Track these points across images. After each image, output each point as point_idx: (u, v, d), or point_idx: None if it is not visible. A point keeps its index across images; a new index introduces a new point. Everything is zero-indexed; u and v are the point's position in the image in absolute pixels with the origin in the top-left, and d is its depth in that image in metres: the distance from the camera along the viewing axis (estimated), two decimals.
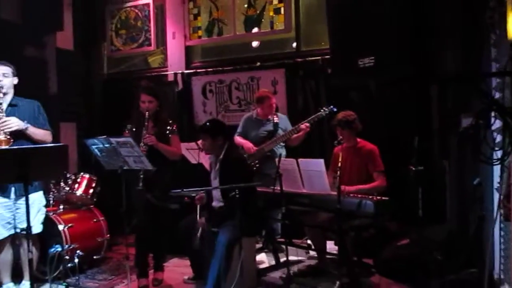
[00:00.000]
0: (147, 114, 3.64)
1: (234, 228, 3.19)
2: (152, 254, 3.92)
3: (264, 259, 4.22)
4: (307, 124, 4.18)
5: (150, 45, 5.75)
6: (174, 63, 5.57)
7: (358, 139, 3.78)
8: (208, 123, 3.61)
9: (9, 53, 4.18)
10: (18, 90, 3.49)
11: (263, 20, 5.18)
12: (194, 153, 4.37)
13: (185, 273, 3.87)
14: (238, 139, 4.44)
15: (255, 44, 5.33)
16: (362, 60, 2.40)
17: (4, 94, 3.32)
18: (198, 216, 3.50)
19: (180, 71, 5.49)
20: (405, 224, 3.48)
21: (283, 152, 4.40)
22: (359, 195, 3.38)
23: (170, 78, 5.54)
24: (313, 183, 3.45)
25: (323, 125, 4.57)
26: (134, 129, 3.73)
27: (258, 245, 4.30)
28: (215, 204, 3.61)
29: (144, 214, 3.66)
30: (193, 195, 4.08)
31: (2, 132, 3.23)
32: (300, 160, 3.51)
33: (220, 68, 5.32)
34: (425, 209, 3.01)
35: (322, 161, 3.39)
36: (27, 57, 4.95)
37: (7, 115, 3.31)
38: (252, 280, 3.59)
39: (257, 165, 4.29)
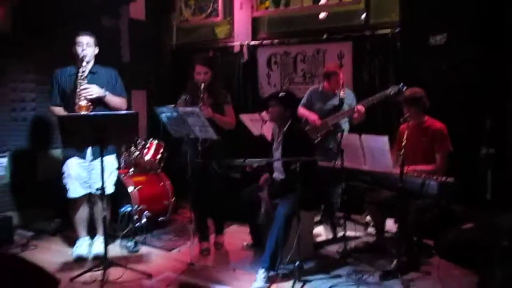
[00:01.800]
0: (202, 86, 3.66)
1: (294, 201, 3.22)
2: (213, 219, 4.05)
3: (321, 232, 4.24)
4: (361, 107, 4.05)
5: (217, 15, 5.77)
6: (240, 34, 5.58)
7: (426, 117, 3.63)
8: (282, 92, 3.63)
9: (87, 23, 4.41)
10: (98, 57, 3.69)
11: None
12: (257, 123, 4.41)
13: (244, 240, 3.98)
14: (302, 110, 4.40)
15: (322, 15, 5.19)
16: (434, 37, 2.27)
17: (87, 62, 3.51)
18: (263, 205, 3.52)
19: (246, 42, 5.50)
20: (471, 208, 3.34)
21: (346, 127, 4.33)
22: (423, 175, 3.27)
23: (236, 49, 5.56)
24: (375, 161, 3.38)
25: (389, 101, 4.41)
26: (189, 99, 3.78)
27: (317, 218, 4.31)
28: (276, 175, 3.65)
29: (202, 181, 3.73)
30: (255, 165, 4.18)
31: (84, 98, 3.44)
32: (363, 136, 3.44)
33: (286, 40, 5.27)
34: (495, 193, 2.86)
35: (386, 138, 3.29)
36: (103, 27, 5.18)
37: (88, 82, 3.51)
38: (308, 251, 3.64)
39: (319, 138, 4.26)
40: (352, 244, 3.83)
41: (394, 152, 3.44)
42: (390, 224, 3.87)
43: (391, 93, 3.96)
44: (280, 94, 3.60)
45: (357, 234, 4.10)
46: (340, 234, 4.00)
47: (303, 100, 4.46)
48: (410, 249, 3.38)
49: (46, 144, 4.73)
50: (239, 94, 5.47)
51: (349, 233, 3.95)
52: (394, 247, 3.47)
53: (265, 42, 5.41)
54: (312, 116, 4.28)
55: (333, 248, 3.81)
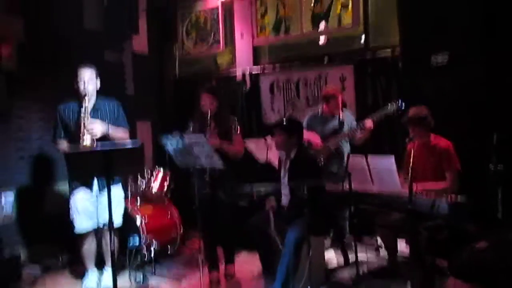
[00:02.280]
0: (209, 115, 3.67)
1: (303, 227, 3.19)
2: (222, 248, 3.99)
3: (333, 257, 4.17)
4: (371, 122, 4.06)
5: (219, 45, 5.86)
6: (242, 62, 5.65)
7: (432, 135, 3.61)
8: (286, 120, 3.64)
9: (91, 58, 4.46)
10: (99, 92, 3.72)
11: (330, 16, 5.10)
12: (262, 150, 4.40)
13: (254, 267, 3.91)
14: (305, 133, 4.40)
15: (322, 41, 5.25)
16: (436, 57, 2.28)
17: (90, 97, 3.53)
18: (271, 225, 3.50)
19: (248, 70, 5.55)
20: (483, 226, 3.28)
21: (347, 148, 4.32)
22: (433, 195, 3.22)
23: (239, 77, 5.62)
24: (383, 182, 3.32)
25: (393, 121, 4.41)
26: (197, 129, 3.78)
27: (327, 244, 4.25)
28: (284, 202, 3.62)
29: (211, 210, 3.71)
30: (262, 192, 4.16)
31: (87, 136, 3.45)
32: (370, 156, 3.41)
33: (288, 66, 5.31)
34: (506, 211, 2.81)
35: (392, 158, 3.26)
36: (107, 62, 5.25)
37: (92, 116, 3.53)
38: (321, 278, 3.57)
39: (322, 162, 4.24)
40: (365, 268, 3.76)
41: (402, 172, 3.40)
42: (403, 247, 3.80)
43: (391, 111, 3.96)
44: (283, 122, 3.59)
45: (369, 257, 4.02)
46: (351, 258, 3.93)
47: (303, 125, 4.45)
48: (424, 271, 3.30)
49: (52, 178, 4.73)
50: (243, 121, 5.46)
51: (361, 255, 3.88)
52: (407, 270, 3.39)
53: (267, 69, 5.46)
54: (315, 139, 4.26)
55: (346, 274, 3.75)
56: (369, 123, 4.05)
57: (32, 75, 4.55)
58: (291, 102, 5.30)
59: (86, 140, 3.42)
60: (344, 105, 4.44)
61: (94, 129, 3.46)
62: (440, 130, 3.59)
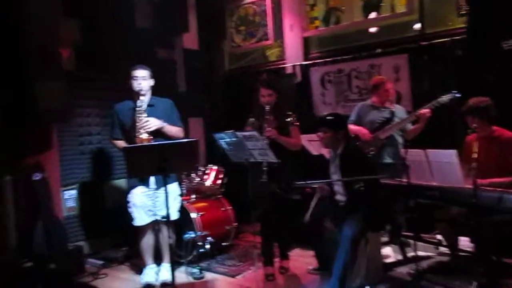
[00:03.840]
0: (267, 108, 3.68)
1: (359, 222, 3.12)
2: (277, 243, 3.99)
3: (390, 253, 4.06)
4: (428, 111, 3.89)
5: (268, 39, 5.83)
6: (292, 55, 5.59)
7: (494, 127, 3.42)
8: (329, 116, 3.55)
9: (143, 56, 4.59)
10: (154, 88, 3.80)
11: (382, 3, 4.94)
12: (315, 144, 4.34)
13: (309, 263, 3.90)
14: (350, 126, 4.31)
15: (372, 29, 5.11)
16: (507, 42, 2.13)
17: (144, 95, 3.63)
18: (312, 205, 3.46)
19: (298, 63, 5.49)
20: None
21: (399, 140, 4.18)
22: (500, 189, 3.05)
23: (289, 70, 5.56)
24: (444, 176, 3.20)
25: (452, 112, 4.21)
26: (256, 122, 3.80)
27: (384, 239, 4.14)
28: (338, 198, 3.55)
29: (269, 205, 3.73)
30: (315, 186, 4.10)
31: (143, 131, 3.55)
32: (429, 151, 3.29)
33: (339, 58, 5.20)
34: None
35: (454, 152, 3.13)
36: (159, 59, 5.37)
37: (147, 115, 3.62)
38: (378, 274, 3.48)
39: (372, 153, 4.13)
40: (424, 264, 3.63)
41: (463, 165, 3.25)
42: (464, 243, 3.64)
43: (445, 100, 3.76)
44: (328, 118, 3.52)
45: (428, 254, 3.89)
46: (410, 254, 3.81)
47: (352, 117, 4.36)
48: (490, 269, 3.14)
49: (111, 174, 4.92)
50: (294, 114, 5.42)
51: (420, 253, 3.75)
52: (471, 268, 3.24)
53: (317, 61, 5.38)
54: (362, 130, 4.16)
55: (404, 270, 3.64)
56: (425, 111, 3.89)
57: (89, 75, 4.74)
58: (343, 95, 5.19)
59: (142, 135, 3.52)
60: (398, 97, 4.30)
61: (149, 123, 3.55)
62: (504, 122, 3.39)
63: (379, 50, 4.89)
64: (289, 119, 3.79)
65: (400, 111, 4.22)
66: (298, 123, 3.84)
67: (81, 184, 4.67)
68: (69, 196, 4.56)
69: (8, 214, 4.06)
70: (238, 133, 3.39)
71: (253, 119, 3.84)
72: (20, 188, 4.09)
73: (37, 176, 4.06)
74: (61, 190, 4.46)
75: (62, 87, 4.03)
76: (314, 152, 4.41)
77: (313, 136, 4.29)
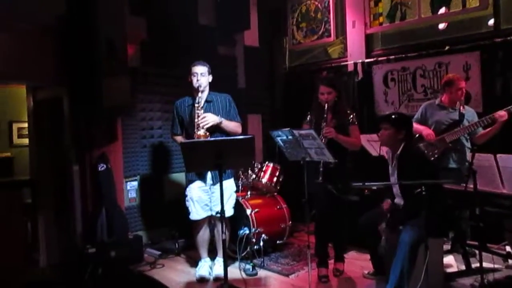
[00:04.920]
0: (326, 106, 3.62)
1: (419, 227, 2.96)
2: (332, 244, 3.93)
3: (452, 262, 3.84)
4: (505, 113, 3.62)
5: (329, 36, 5.73)
6: (354, 52, 5.45)
7: None
8: (393, 115, 3.44)
9: (205, 53, 4.66)
10: (212, 86, 3.85)
11: None
12: (375, 144, 4.22)
13: (364, 267, 3.79)
14: (415, 125, 4.12)
15: (441, 25, 4.85)
16: None
17: (202, 91, 3.68)
18: (382, 223, 3.36)
19: (360, 60, 5.35)
20: None
21: (467, 145, 3.94)
22: None
23: (350, 68, 5.44)
24: None
25: None
26: (314, 121, 3.75)
27: (446, 247, 3.93)
28: (397, 201, 3.41)
29: (325, 205, 3.68)
30: (374, 188, 3.98)
31: (201, 127, 3.60)
32: (499, 155, 3.07)
33: (403, 55, 5.00)
34: None
35: None
36: (220, 56, 5.43)
37: (204, 111, 3.67)
38: (438, 284, 3.29)
39: (436, 156, 3.92)
40: (490, 277, 3.39)
41: None
42: None
43: None
44: (392, 116, 3.40)
45: (496, 266, 3.63)
46: (474, 265, 3.59)
47: (416, 115, 4.17)
48: None
49: (171, 168, 5.06)
50: (355, 113, 5.28)
51: (486, 264, 3.51)
52: None
53: (380, 58, 5.22)
54: (426, 131, 3.96)
55: (467, 281, 3.43)
56: (502, 114, 3.63)
57: (153, 71, 4.90)
58: (407, 94, 4.99)
59: (200, 131, 3.57)
60: (468, 98, 4.04)
61: (206, 119, 3.60)
62: None
63: (448, 48, 4.64)
64: (348, 118, 3.72)
65: (470, 113, 3.98)
66: (357, 122, 3.76)
67: (142, 176, 4.84)
68: (131, 187, 4.75)
69: (75, 202, 4.30)
70: (295, 131, 3.34)
71: (311, 117, 3.80)
72: (86, 178, 4.31)
73: (102, 167, 4.26)
74: (123, 181, 4.64)
75: (128, 82, 4.20)
76: (374, 153, 4.29)
77: (374, 136, 4.18)
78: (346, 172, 3.70)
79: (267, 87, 6.05)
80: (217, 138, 3.49)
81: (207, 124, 3.61)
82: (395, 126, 3.29)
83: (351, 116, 3.73)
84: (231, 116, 3.82)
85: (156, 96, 4.97)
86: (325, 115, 3.60)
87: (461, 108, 3.89)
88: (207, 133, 3.59)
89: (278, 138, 3.53)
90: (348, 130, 3.70)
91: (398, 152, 3.32)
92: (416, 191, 2.96)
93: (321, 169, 3.48)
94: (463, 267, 3.69)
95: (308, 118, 3.83)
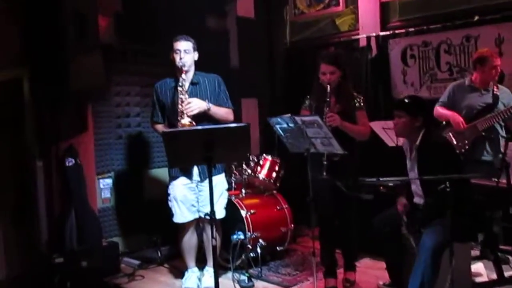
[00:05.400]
0: (328, 88, 3.61)
1: (443, 230, 2.98)
2: (341, 251, 3.95)
3: (481, 270, 3.88)
4: None
5: (338, 4, 5.72)
6: (367, 24, 5.45)
7: None
8: (406, 99, 3.44)
9: (191, 26, 4.63)
10: (199, 65, 3.83)
11: None
12: (391, 133, 4.22)
13: (380, 277, 3.81)
14: (441, 110, 4.12)
15: None
16: None
17: (186, 72, 3.67)
18: (403, 226, 3.38)
19: (374, 34, 5.35)
20: None
21: (502, 133, 3.95)
22: None
23: (362, 42, 5.44)
24: None
25: None
26: (314, 106, 3.76)
27: (475, 253, 3.97)
28: (417, 200, 3.43)
29: (330, 206, 3.70)
30: (390, 184, 3.99)
31: (185, 115, 3.59)
32: None
33: (425, 27, 5.00)
34: None
35: None
36: (208, 29, 5.42)
37: (189, 95, 3.66)
38: None
39: (466, 147, 3.94)
40: None
41: None
42: None
43: None
44: (405, 101, 3.41)
45: None
46: (507, 273, 3.62)
47: (443, 98, 4.19)
48: None
49: (151, 163, 5.07)
50: (368, 97, 5.26)
51: None
52: None
53: (398, 31, 5.22)
54: (455, 118, 3.98)
55: None
56: None
57: (130, 48, 4.88)
58: (429, 73, 5.00)
59: (184, 119, 3.56)
60: (501, 77, 4.04)
61: (191, 105, 3.59)
62: None
63: (477, 18, 4.63)
64: (354, 102, 3.72)
65: (506, 95, 3.99)
66: (364, 107, 3.76)
67: (117, 172, 4.85)
68: (105, 186, 4.75)
69: (39, 204, 4.29)
70: (297, 118, 3.34)
71: (310, 101, 3.80)
72: (52, 174, 4.30)
73: (70, 162, 4.25)
74: (96, 178, 4.64)
75: (100, 61, 4.18)
76: (391, 143, 4.30)
77: (390, 124, 4.18)
78: (355, 166, 3.71)
79: (264, 66, 6.04)
80: (205, 126, 3.47)
81: (192, 111, 3.60)
82: (410, 113, 3.29)
83: (358, 99, 3.74)
84: (221, 101, 3.82)
85: (134, 78, 4.96)
86: (327, 99, 3.59)
87: (495, 89, 3.90)
88: (193, 122, 3.58)
89: (278, 127, 3.53)
90: (354, 116, 3.71)
91: (417, 142, 3.33)
92: (439, 188, 2.97)
93: (325, 162, 3.48)
94: (494, 276, 3.71)
95: (307, 103, 3.83)
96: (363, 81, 5.38)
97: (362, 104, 3.74)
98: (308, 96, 3.84)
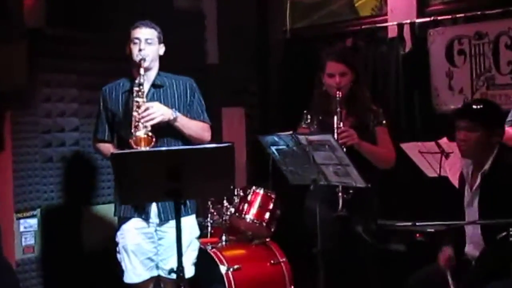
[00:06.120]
0: (338, 95, 3.65)
1: None
2: None
3: None
4: None
5: None
6: (398, 7, 5.51)
7: None
8: (478, 104, 3.48)
9: (154, 7, 4.63)
10: (164, 62, 3.81)
11: None
12: (432, 159, 4.24)
13: None
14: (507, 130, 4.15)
15: None
16: None
17: (146, 69, 3.64)
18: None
19: (408, 21, 5.39)
20: None
21: None
22: None
23: (392, 32, 5.50)
24: None
25: None
26: (316, 120, 3.81)
27: None
28: (470, 251, 3.43)
29: (344, 258, 3.71)
30: (430, 230, 3.99)
31: (141, 125, 3.53)
32: None
33: (478, 13, 5.06)
34: None
35: None
36: (178, 12, 5.43)
37: (149, 100, 3.62)
38: None
39: None
40: None
41: None
42: None
43: None
44: (478, 107, 3.41)
45: None
46: None
47: (510, 117, 4.20)
48: None
49: (94, 197, 5.01)
50: (398, 106, 5.38)
51: None
52: None
53: (441, 18, 5.28)
54: None
55: None
56: None
57: (65, 34, 4.82)
58: (485, 76, 5.04)
59: (139, 132, 3.51)
60: None
61: (151, 111, 3.54)
62: None
63: None
64: (374, 115, 3.78)
65: None
66: (384, 121, 3.80)
67: (45, 210, 4.77)
68: (27, 229, 4.67)
69: None
70: (301, 137, 3.34)
71: (311, 114, 3.86)
72: None
73: None
74: (14, 218, 4.57)
75: (23, 53, 4.15)
76: (431, 172, 4.31)
77: (430, 146, 4.21)
78: (377, 204, 3.75)
79: (254, 63, 6.06)
80: (171, 148, 3.45)
81: (152, 119, 3.55)
82: (487, 125, 3.29)
83: (377, 112, 3.80)
84: (194, 113, 3.80)
85: (70, 77, 4.91)
86: (338, 109, 3.62)
87: None
88: (152, 137, 3.53)
89: (273, 148, 3.52)
90: (374, 135, 3.75)
91: (486, 166, 3.32)
92: (498, 236, 2.95)
93: (340, 194, 3.49)
94: None
95: (306, 118, 3.89)
96: (391, 86, 5.42)
97: (382, 118, 3.80)
98: (306, 111, 3.90)
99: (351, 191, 3.53)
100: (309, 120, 3.87)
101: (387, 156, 3.78)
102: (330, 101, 3.69)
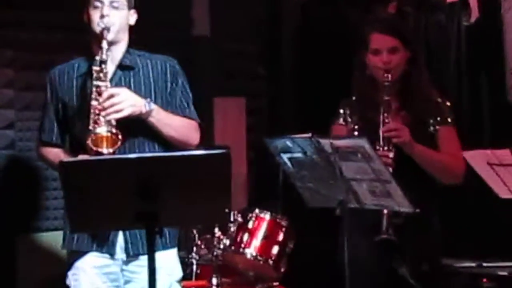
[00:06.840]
0: (387, 78, 3.69)
1: None
2: None
3: None
4: None
5: None
6: None
7: None
8: None
9: None
10: (137, 35, 3.86)
11: None
12: (506, 173, 4.25)
13: None
14: None
15: None
16: None
17: (111, 43, 3.64)
18: None
19: None
20: None
21: None
22: None
23: None
24: None
25: None
26: (358, 116, 3.89)
27: None
28: None
29: None
30: (503, 274, 4.02)
31: (103, 120, 3.54)
32: None
33: None
34: None
35: None
36: None
37: (115, 86, 3.64)
38: None
39: None
40: None
41: None
42: None
43: None
44: None
45: None
46: None
47: None
48: None
49: (36, 221, 5.04)
50: (459, 96, 5.43)
51: None
52: None
53: None
54: None
55: None
56: None
57: None
58: None
59: (100, 128, 3.53)
60: None
61: (116, 100, 3.55)
62: None
63: None
64: (436, 110, 3.83)
65: None
66: (452, 119, 3.86)
67: None
68: None
69: None
70: (323, 141, 3.35)
71: (348, 109, 3.91)
72: None
73: None
74: None
75: None
76: (503, 192, 4.32)
77: (504, 155, 4.22)
78: (436, 235, 3.80)
79: (260, 35, 6.11)
80: (144, 154, 3.48)
81: (118, 111, 3.56)
82: None
83: (443, 106, 3.86)
84: (176, 105, 3.82)
85: (3, 52, 4.96)
86: (386, 98, 3.67)
87: None
88: (118, 135, 3.54)
89: (286, 156, 3.54)
90: (434, 135, 3.81)
91: None
92: None
93: (385, 228, 3.51)
94: None
95: (343, 113, 3.95)
96: (450, 68, 5.46)
97: (449, 115, 3.84)
98: (342, 102, 3.96)
99: (397, 220, 3.54)
100: (348, 116, 3.92)
101: (453, 165, 3.81)
102: (377, 88, 3.74)
